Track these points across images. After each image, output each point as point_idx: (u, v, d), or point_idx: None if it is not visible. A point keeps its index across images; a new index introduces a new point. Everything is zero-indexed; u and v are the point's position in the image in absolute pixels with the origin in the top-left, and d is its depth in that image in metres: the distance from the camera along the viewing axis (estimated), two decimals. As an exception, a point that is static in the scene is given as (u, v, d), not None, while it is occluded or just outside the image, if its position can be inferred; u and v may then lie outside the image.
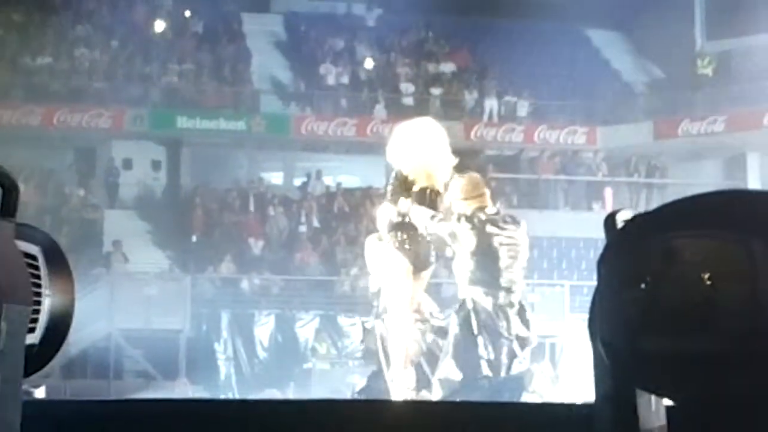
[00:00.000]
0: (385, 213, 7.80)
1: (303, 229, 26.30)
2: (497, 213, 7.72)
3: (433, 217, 7.57)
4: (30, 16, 28.05)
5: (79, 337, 19.34)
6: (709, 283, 1.38)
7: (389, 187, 7.84)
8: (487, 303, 7.43)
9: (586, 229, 23.24)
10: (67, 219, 25.28)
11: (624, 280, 1.44)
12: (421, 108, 29.24)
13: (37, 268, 1.75)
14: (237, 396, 19.42)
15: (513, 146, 29.16)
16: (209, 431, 2.63)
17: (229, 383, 21.12)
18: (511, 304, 7.47)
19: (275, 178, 29.58)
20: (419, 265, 7.78)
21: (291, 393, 17.57)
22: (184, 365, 21.30)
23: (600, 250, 1.49)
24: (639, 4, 28.79)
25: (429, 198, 7.68)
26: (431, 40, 31.79)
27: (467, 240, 7.50)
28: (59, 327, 1.75)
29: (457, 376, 7.43)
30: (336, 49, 30.82)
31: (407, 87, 29.87)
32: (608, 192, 27.41)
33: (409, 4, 30.05)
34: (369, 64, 30.41)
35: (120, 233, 25.13)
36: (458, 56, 31.07)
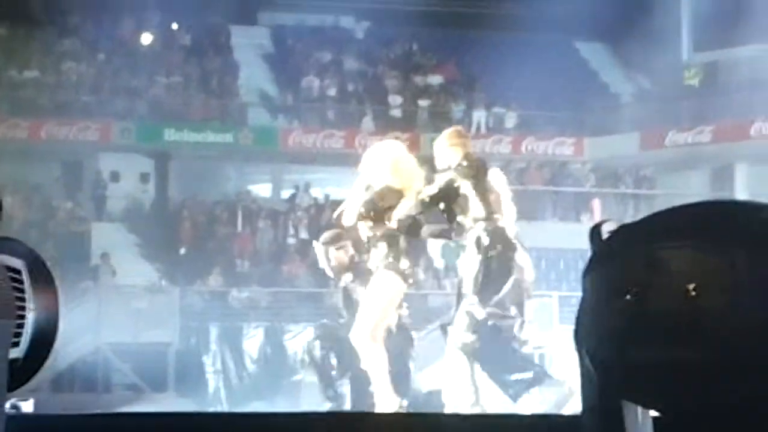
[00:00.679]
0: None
1: (291, 241, 26.29)
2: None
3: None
4: (16, 29, 28.03)
5: (68, 350, 19.31)
6: (693, 293, 1.38)
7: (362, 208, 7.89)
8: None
9: (575, 240, 23.26)
10: (54, 232, 25.23)
11: (609, 291, 1.44)
12: (408, 120, 29.31)
13: (20, 282, 1.74)
14: (226, 409, 19.39)
15: (501, 157, 29.16)
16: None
17: (217, 396, 21.07)
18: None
19: (263, 190, 29.58)
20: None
21: (280, 405, 17.54)
22: (172, 378, 21.26)
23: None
24: (626, 16, 28.85)
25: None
26: (419, 52, 31.83)
27: (466, 182, 7.87)
28: (44, 341, 1.75)
29: (480, 314, 7.80)
30: (323, 61, 30.85)
31: (395, 99, 29.90)
32: (596, 203, 27.45)
33: (397, 17, 30.10)
34: (356, 76, 30.45)
35: (108, 246, 25.08)
36: (446, 68, 31.12)
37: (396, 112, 29.44)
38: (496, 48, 29.50)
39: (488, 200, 7.89)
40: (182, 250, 25.77)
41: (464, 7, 29.53)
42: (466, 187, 7.91)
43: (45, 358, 1.76)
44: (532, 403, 7.46)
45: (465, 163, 8.01)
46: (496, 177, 8.17)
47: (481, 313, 7.73)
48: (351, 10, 32.52)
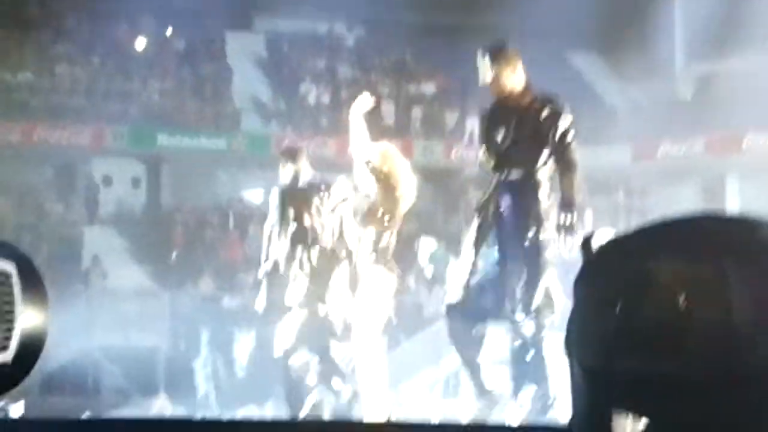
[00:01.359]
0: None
1: (282, 247, 26.28)
2: None
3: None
4: (10, 32, 28.01)
5: (58, 353, 19.28)
6: (684, 305, 1.38)
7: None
8: None
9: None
10: (46, 235, 25.21)
11: (599, 300, 1.45)
12: (401, 128, 29.33)
13: (10, 285, 1.74)
14: (215, 414, 19.36)
15: (493, 167, 29.21)
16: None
17: (207, 401, 21.05)
18: None
19: (255, 196, 29.58)
20: None
21: (270, 411, 17.52)
22: (162, 382, 21.24)
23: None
24: (620, 28, 28.91)
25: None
26: (412, 60, 31.87)
27: None
28: (33, 346, 1.74)
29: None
30: (317, 68, 30.87)
31: (387, 107, 29.92)
32: (587, 213, 27.44)
33: (391, 26, 30.13)
34: (350, 83, 30.47)
35: (99, 250, 25.07)
36: (439, 76, 31.16)
37: (389, 120, 29.46)
38: (490, 57, 29.49)
39: None
40: (173, 255, 25.76)
41: (458, 17, 29.57)
42: None
43: (33, 362, 1.75)
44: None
45: None
46: None
47: None
48: (345, 17, 32.55)
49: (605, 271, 1.45)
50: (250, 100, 30.34)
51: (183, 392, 20.53)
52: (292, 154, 10.24)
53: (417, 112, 30.01)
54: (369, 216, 7.76)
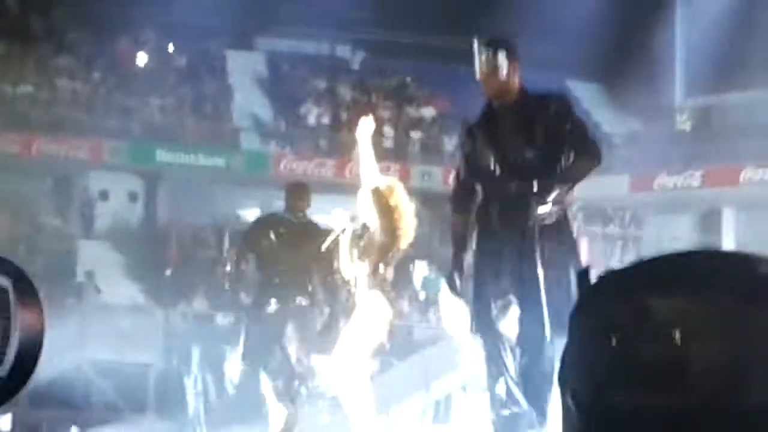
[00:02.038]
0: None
1: (278, 267, 26.25)
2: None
3: None
4: (12, 45, 28.05)
5: (49, 366, 19.23)
6: (680, 340, 1.38)
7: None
8: None
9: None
10: (41, 248, 25.17)
11: (594, 334, 1.45)
12: (400, 151, 29.35)
13: (6, 300, 1.74)
14: (204, 432, 19.31)
15: (491, 193, 29.22)
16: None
17: (197, 419, 20.99)
18: None
19: (252, 215, 29.55)
20: None
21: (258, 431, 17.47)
22: (153, 399, 21.18)
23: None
24: (620, 58, 28.98)
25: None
26: (413, 84, 31.91)
27: None
28: (27, 361, 1.74)
29: None
30: (318, 89, 30.91)
31: (387, 130, 29.95)
32: (584, 243, 27.47)
33: (392, 49, 30.19)
34: (350, 105, 30.52)
35: (94, 264, 25.03)
36: (439, 101, 31.20)
37: (388, 143, 29.48)
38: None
39: None
40: (168, 271, 25.72)
41: (459, 42, 29.62)
42: None
43: (29, 377, 1.75)
44: None
45: None
46: None
47: None
48: (347, 39, 32.63)
49: (601, 305, 1.45)
50: (250, 119, 30.36)
51: (173, 410, 20.48)
52: (299, 190, 10.53)
53: (416, 136, 30.04)
54: (368, 247, 7.76)
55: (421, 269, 24.39)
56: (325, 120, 29.96)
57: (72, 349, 20.54)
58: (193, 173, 27.99)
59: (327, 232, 8.82)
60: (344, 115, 30.27)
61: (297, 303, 9.77)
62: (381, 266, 7.73)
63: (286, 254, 9.86)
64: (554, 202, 6.45)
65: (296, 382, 9.85)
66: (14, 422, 12.22)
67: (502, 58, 6.64)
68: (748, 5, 26.89)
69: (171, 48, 30.40)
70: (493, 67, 6.63)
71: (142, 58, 29.83)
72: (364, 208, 7.87)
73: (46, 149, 26.90)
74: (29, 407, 18.58)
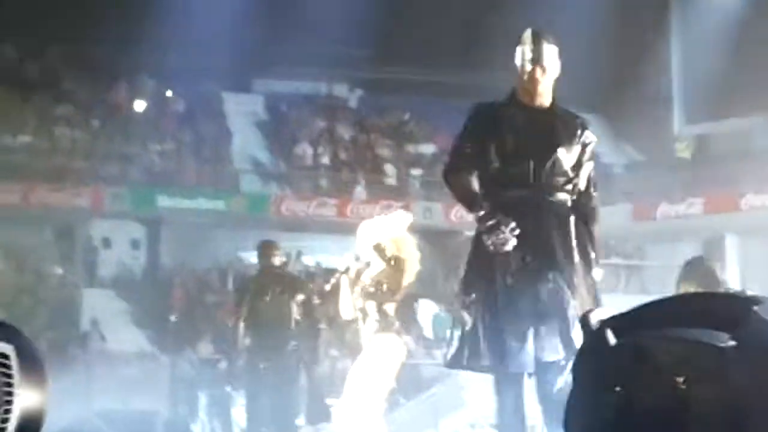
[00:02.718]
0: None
1: (283, 309, 26.19)
2: None
3: None
4: (10, 93, 28.11)
5: (56, 417, 19.18)
6: (682, 386, 1.38)
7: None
8: None
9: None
10: (45, 298, 25.15)
11: (598, 383, 1.44)
12: (401, 189, 29.36)
13: (9, 367, 1.73)
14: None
15: (492, 226, 29.17)
16: None
17: (205, 465, 20.92)
18: None
19: (255, 257, 29.51)
20: None
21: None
22: (160, 446, 21.08)
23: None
24: (617, 87, 29.04)
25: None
26: (412, 121, 31.96)
27: None
28: (31, 426, 1.74)
29: None
30: (316, 129, 30.96)
31: (387, 168, 29.97)
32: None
33: (390, 86, 30.25)
34: (349, 144, 30.57)
35: (98, 312, 25.00)
36: (439, 137, 31.22)
37: (389, 181, 29.50)
38: (489, 118, 29.57)
39: None
40: (173, 317, 25.67)
41: (457, 76, 29.68)
42: None
43: (31, 442, 1.75)
44: None
45: None
46: None
47: None
48: (345, 78, 32.69)
49: (603, 353, 1.45)
50: (250, 161, 30.39)
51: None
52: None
53: (416, 173, 30.05)
54: (374, 289, 7.76)
55: (425, 306, 24.34)
56: (325, 160, 29.99)
57: (78, 399, 20.48)
58: (194, 217, 27.99)
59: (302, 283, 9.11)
60: (344, 155, 30.30)
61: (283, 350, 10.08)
62: (388, 307, 7.71)
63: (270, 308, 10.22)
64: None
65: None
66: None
67: (547, 50, 6.14)
68: (744, 32, 26.96)
69: (169, 93, 30.47)
70: (539, 57, 6.11)
71: (140, 104, 29.90)
72: (369, 259, 7.86)
73: (47, 198, 26.90)
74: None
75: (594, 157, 6.43)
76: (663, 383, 1.38)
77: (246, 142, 30.55)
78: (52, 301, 25.13)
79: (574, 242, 6.14)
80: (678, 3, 29.76)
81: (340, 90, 32.84)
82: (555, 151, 6.13)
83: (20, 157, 27.30)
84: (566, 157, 6.17)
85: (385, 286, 7.70)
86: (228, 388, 20.90)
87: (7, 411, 1.73)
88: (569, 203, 6.17)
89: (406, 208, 27.66)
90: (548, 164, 6.09)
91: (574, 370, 1.51)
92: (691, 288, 6.60)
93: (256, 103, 32.07)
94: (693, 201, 27.79)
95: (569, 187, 6.18)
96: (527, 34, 6.15)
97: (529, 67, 6.13)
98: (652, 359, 1.41)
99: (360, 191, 28.71)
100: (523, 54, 6.13)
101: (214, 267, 27.46)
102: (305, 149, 30.04)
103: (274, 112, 31.91)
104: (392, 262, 7.72)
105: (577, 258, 6.12)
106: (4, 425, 1.71)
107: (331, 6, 27.02)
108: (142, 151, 28.72)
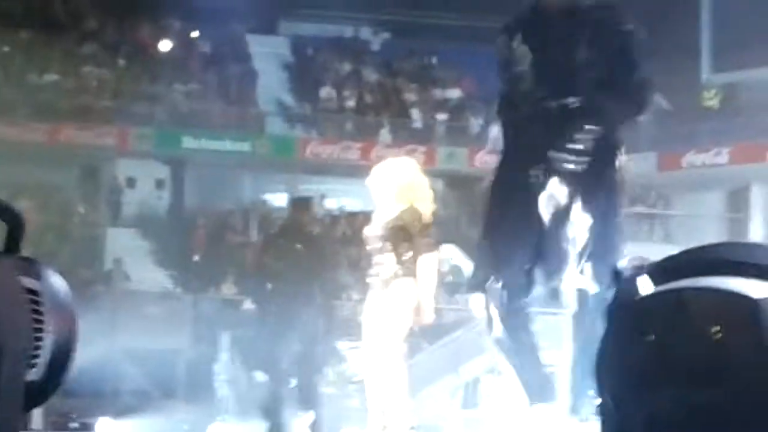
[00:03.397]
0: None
1: (305, 251, 26.25)
2: None
3: None
4: (37, 33, 28.09)
5: (82, 353, 19.31)
6: (717, 336, 1.37)
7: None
8: None
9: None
10: (69, 236, 25.27)
11: (631, 332, 1.43)
12: (426, 133, 29.29)
13: (39, 303, 1.73)
14: (233, 418, 19.37)
15: (517, 173, 29.12)
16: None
17: (226, 405, 21.06)
18: None
19: (278, 200, 29.59)
20: None
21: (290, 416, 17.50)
22: (182, 385, 21.25)
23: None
24: (645, 36, 28.79)
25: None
26: (438, 65, 31.83)
27: None
28: (60, 363, 1.74)
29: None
30: (342, 72, 30.87)
31: (413, 112, 29.89)
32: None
33: (416, 30, 30.11)
34: (375, 88, 30.47)
35: (122, 252, 25.12)
36: (465, 82, 31.10)
37: (414, 125, 29.43)
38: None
39: None
40: (196, 258, 25.77)
41: (483, 21, 29.51)
42: None
43: (62, 379, 1.75)
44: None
45: None
46: None
47: None
48: (371, 21, 32.56)
49: (637, 302, 1.44)
50: (275, 104, 30.36)
51: (202, 396, 20.56)
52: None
53: (442, 118, 29.96)
54: (390, 233, 7.77)
55: (448, 252, 24.34)
56: (350, 103, 29.92)
57: (101, 336, 20.62)
58: (219, 159, 28.02)
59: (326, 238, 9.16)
60: (369, 98, 30.22)
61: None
62: (405, 250, 7.72)
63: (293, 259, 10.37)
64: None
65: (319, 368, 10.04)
66: (45, 411, 12.29)
67: None
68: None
69: (195, 34, 30.40)
70: None
71: (165, 45, 29.85)
72: (383, 201, 7.88)
73: (73, 138, 26.97)
74: (60, 396, 18.68)
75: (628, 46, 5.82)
76: (697, 332, 1.37)
77: (271, 84, 30.50)
78: (76, 240, 25.26)
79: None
80: (708, -50, 29.46)
81: (366, 33, 32.71)
82: (563, 52, 5.56)
83: (46, 95, 27.34)
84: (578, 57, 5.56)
85: (401, 231, 7.72)
86: (250, 329, 21.04)
87: (38, 347, 1.74)
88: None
89: (431, 152, 27.67)
90: (555, 69, 5.59)
91: (608, 317, 1.50)
92: None
93: (282, 46, 32.00)
94: (719, 150, 27.63)
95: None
96: None
97: None
98: (688, 308, 1.40)
99: (385, 135, 28.66)
100: None
101: (238, 209, 27.53)
102: (330, 92, 29.97)
103: (299, 54, 31.83)
104: (406, 205, 7.74)
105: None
106: (36, 359, 1.72)
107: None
108: (167, 91, 28.71)
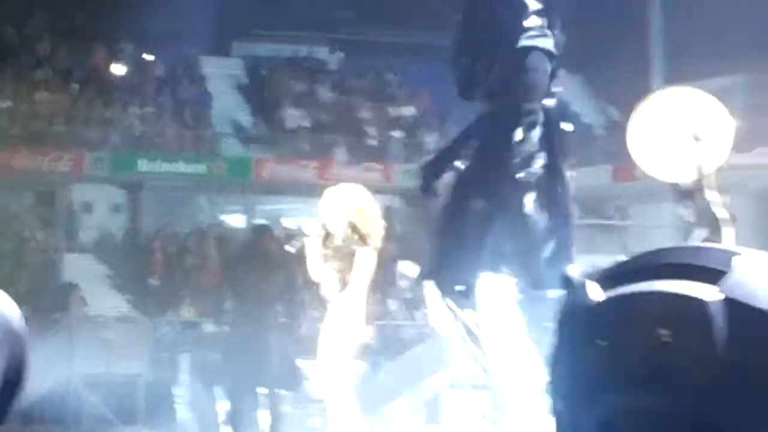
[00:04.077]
0: None
1: (263, 272, 26.21)
2: None
3: None
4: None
5: (38, 381, 19.16)
6: (667, 339, 1.37)
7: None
8: None
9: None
10: (26, 262, 25.10)
11: (581, 337, 1.44)
12: (381, 151, 29.34)
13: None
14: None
15: (474, 189, 29.21)
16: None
17: (187, 428, 20.94)
18: None
19: (235, 221, 29.53)
20: None
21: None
22: (142, 410, 21.12)
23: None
24: (597, 47, 29.02)
25: None
26: (393, 83, 31.90)
27: None
28: (12, 389, 1.72)
29: None
30: (297, 92, 30.88)
31: (368, 130, 29.93)
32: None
33: (371, 48, 30.17)
34: (330, 107, 30.49)
35: (79, 276, 24.96)
36: (419, 99, 31.19)
37: (369, 143, 29.46)
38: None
39: None
40: (154, 281, 25.67)
41: (438, 38, 29.62)
42: None
43: (9, 409, 1.74)
44: None
45: None
46: None
47: None
48: (325, 40, 32.61)
49: (585, 306, 1.44)
50: (230, 125, 30.32)
51: (163, 420, 20.44)
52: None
53: (397, 135, 30.02)
54: (340, 253, 7.83)
55: (405, 268, 24.38)
56: (306, 123, 29.92)
57: (60, 363, 20.47)
58: (175, 181, 27.95)
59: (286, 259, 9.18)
60: (324, 117, 30.24)
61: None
62: (357, 269, 7.76)
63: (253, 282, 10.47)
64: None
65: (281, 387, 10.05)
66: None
67: None
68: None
69: (148, 57, 30.34)
70: None
71: (119, 68, 29.77)
72: (330, 214, 7.94)
73: (27, 163, 26.81)
74: (21, 424, 18.52)
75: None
76: (645, 337, 1.38)
77: (226, 105, 30.47)
78: (33, 266, 25.09)
79: None
80: (658, -38, 29.74)
81: (321, 52, 32.74)
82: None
83: (0, 122, 27.17)
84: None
85: (351, 251, 7.77)
86: (210, 351, 20.96)
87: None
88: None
89: (387, 170, 27.69)
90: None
91: (559, 324, 1.51)
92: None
93: (236, 67, 31.99)
94: (673, 160, 27.83)
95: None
96: None
97: None
98: (635, 313, 1.40)
99: (341, 153, 28.67)
100: None
101: (195, 230, 27.44)
102: (286, 112, 29.97)
103: (254, 75, 31.83)
104: (355, 230, 7.80)
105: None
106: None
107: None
108: (122, 115, 28.62)
